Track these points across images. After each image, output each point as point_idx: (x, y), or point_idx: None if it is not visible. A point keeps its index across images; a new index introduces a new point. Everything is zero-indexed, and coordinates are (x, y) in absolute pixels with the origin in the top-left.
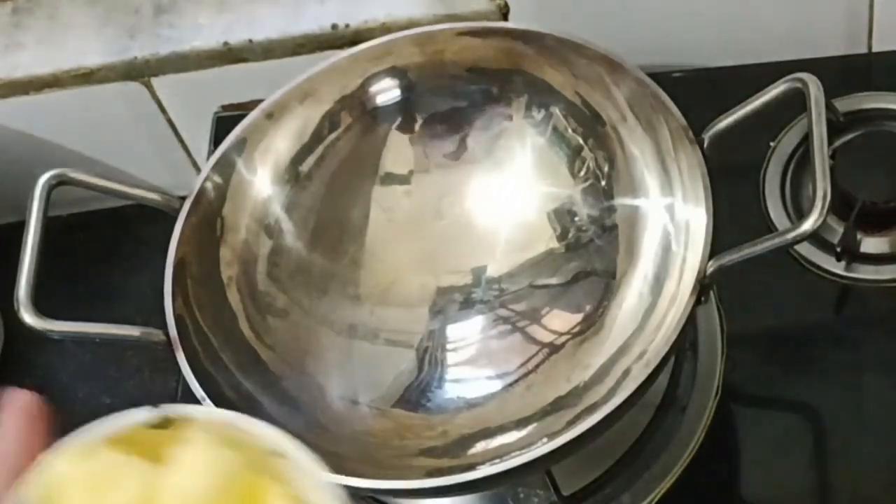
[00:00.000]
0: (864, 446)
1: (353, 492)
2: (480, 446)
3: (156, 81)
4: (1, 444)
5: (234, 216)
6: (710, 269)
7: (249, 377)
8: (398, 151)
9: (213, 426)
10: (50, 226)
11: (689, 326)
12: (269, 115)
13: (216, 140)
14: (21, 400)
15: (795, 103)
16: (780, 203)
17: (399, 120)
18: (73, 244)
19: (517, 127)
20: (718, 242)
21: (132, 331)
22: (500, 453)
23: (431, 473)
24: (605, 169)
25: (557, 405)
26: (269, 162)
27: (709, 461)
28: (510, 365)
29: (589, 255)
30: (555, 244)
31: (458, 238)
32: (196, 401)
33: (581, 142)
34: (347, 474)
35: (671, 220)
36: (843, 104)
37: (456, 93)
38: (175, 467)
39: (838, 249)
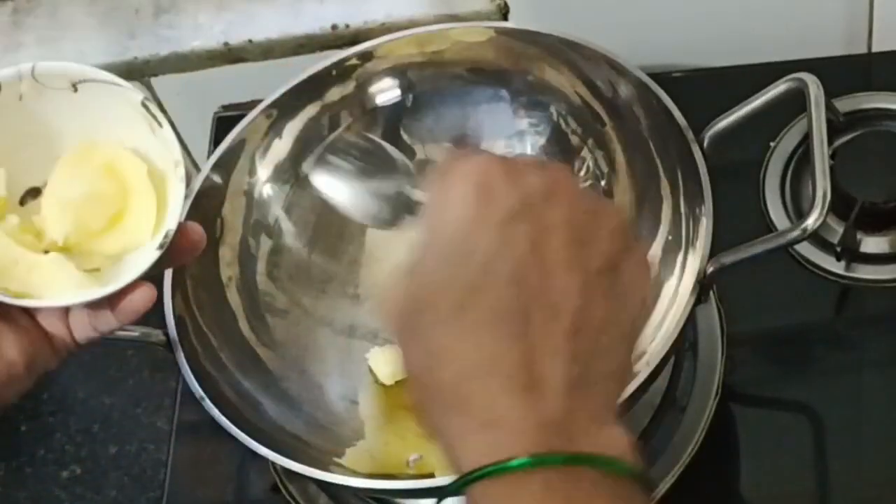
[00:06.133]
0: (864, 446)
1: (353, 492)
2: None
3: (156, 81)
4: None
5: (234, 216)
6: (710, 269)
7: (249, 377)
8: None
9: None
10: None
11: (689, 326)
12: (269, 116)
13: (216, 140)
14: None
15: (795, 103)
16: (780, 203)
17: (398, 120)
18: None
19: (517, 127)
20: (718, 242)
21: (132, 331)
22: None
23: (431, 473)
24: (605, 169)
25: None
26: (269, 162)
27: (708, 461)
28: None
29: None
30: None
31: None
32: (196, 400)
33: (581, 142)
34: (347, 474)
35: (671, 220)
36: (843, 104)
37: (456, 93)
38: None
39: (838, 249)
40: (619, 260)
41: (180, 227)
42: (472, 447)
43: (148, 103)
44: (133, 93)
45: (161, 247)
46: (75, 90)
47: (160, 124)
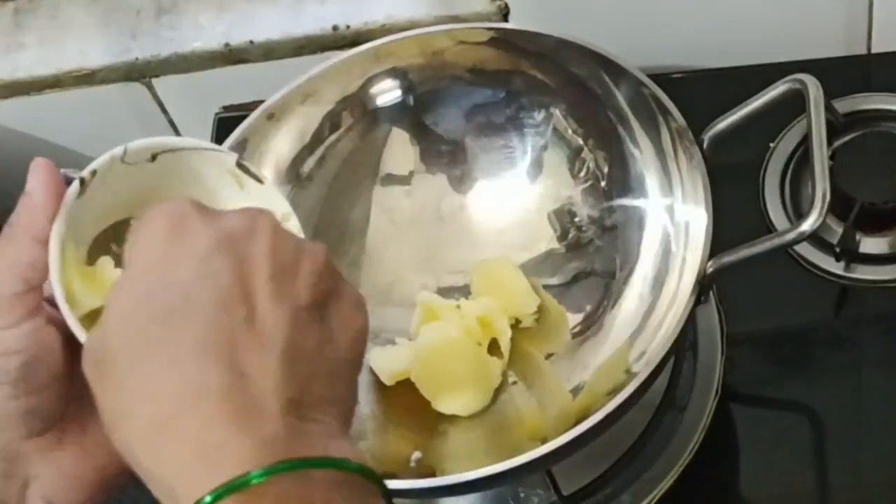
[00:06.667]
0: (864, 446)
1: None
2: None
3: (157, 82)
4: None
5: None
6: (709, 270)
7: None
8: (399, 152)
9: None
10: None
11: (689, 326)
12: (270, 116)
13: (217, 141)
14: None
15: (795, 103)
16: (779, 203)
17: (399, 121)
18: None
19: (517, 127)
20: (718, 242)
21: None
22: None
23: (433, 472)
24: (605, 169)
25: None
26: (270, 163)
27: (708, 461)
28: (511, 365)
29: (589, 255)
30: (555, 244)
31: (458, 238)
32: None
33: (581, 142)
34: None
35: (671, 221)
36: (843, 105)
37: (456, 93)
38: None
39: (838, 250)
40: (326, 298)
41: None
42: (192, 477)
43: (244, 163)
44: (225, 156)
45: None
46: (153, 160)
47: (260, 181)
